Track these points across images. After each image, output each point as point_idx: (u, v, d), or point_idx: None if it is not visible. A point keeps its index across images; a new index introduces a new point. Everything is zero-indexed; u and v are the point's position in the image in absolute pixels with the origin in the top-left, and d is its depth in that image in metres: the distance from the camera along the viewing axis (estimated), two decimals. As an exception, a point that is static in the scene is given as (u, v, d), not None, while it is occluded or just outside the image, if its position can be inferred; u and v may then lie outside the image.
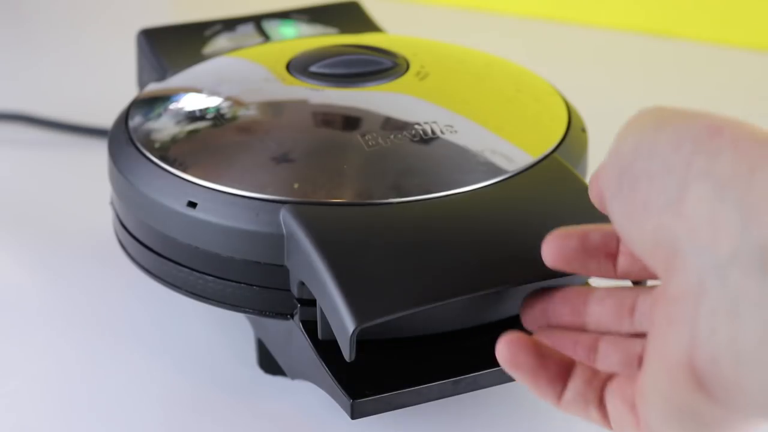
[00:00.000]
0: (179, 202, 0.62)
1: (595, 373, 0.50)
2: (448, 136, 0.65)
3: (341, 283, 0.55)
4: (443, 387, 0.58)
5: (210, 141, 0.66)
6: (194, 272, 0.63)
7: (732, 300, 0.40)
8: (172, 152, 0.66)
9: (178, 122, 0.68)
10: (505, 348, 0.51)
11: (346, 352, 0.54)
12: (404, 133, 0.65)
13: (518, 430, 0.64)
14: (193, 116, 0.69)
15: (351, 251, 0.57)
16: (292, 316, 0.61)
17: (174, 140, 0.67)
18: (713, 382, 0.41)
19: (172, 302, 0.72)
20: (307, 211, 0.59)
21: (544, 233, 0.53)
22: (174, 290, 0.65)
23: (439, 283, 0.56)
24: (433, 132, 0.65)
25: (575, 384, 0.50)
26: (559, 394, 0.51)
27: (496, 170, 0.63)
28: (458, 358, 0.60)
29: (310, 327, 0.60)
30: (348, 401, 0.57)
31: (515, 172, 0.63)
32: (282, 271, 0.61)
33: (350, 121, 0.68)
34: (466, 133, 0.66)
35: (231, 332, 0.71)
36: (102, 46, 1.12)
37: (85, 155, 0.93)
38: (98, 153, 0.93)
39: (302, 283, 0.59)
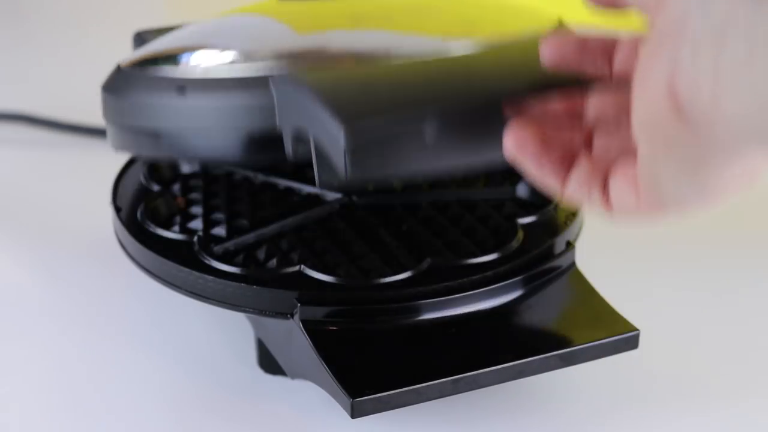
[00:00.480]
0: (172, 90, 0.64)
1: (597, 161, 0.51)
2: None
3: (328, 100, 0.52)
4: (443, 386, 0.58)
5: (197, 39, 0.68)
6: (194, 272, 0.63)
7: (716, 27, 0.41)
8: (163, 56, 0.67)
9: (166, 45, 0.70)
10: (511, 136, 0.51)
11: (342, 166, 0.50)
12: (398, 19, 0.65)
13: (518, 428, 0.64)
14: (180, 31, 0.71)
15: (340, 84, 0.56)
16: (292, 316, 0.61)
17: (163, 52, 0.68)
18: (693, 109, 0.42)
19: (172, 302, 0.72)
20: (296, 72, 0.59)
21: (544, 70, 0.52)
22: (174, 290, 0.65)
23: (431, 96, 0.53)
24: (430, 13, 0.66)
25: (579, 171, 0.51)
26: (563, 180, 0.51)
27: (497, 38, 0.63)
28: (458, 356, 0.60)
29: (310, 326, 0.61)
30: (348, 400, 0.57)
31: (519, 40, 0.62)
32: (275, 138, 0.60)
33: (340, 7, 0.68)
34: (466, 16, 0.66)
35: (231, 332, 0.71)
36: (102, 46, 1.11)
37: (85, 155, 0.93)
38: (98, 153, 0.93)
39: (297, 138, 0.58)
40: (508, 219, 0.70)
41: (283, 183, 0.75)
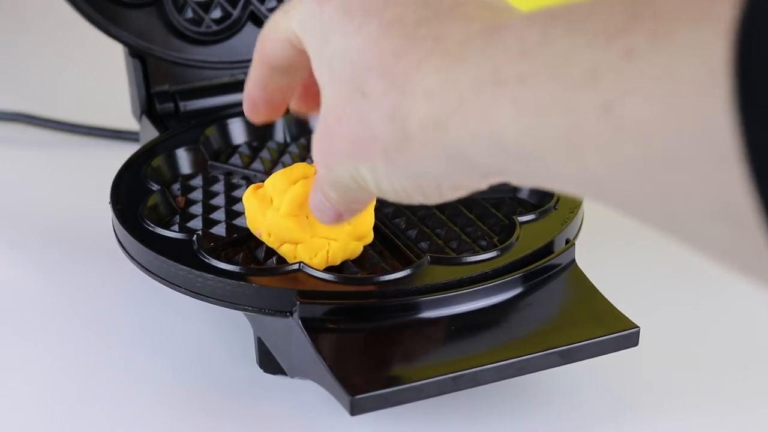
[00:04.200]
0: None
1: None
2: None
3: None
4: (443, 383, 0.58)
5: None
6: (193, 271, 0.63)
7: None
8: None
9: None
10: None
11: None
12: None
13: (518, 426, 0.64)
14: None
15: None
16: (292, 314, 0.61)
17: None
18: None
19: (172, 302, 0.72)
20: None
21: None
22: (173, 289, 0.65)
23: None
24: None
25: None
26: None
27: None
28: (458, 353, 0.60)
29: (309, 324, 0.61)
30: (348, 398, 0.57)
31: None
32: None
33: None
34: None
35: (230, 331, 0.71)
36: (102, 46, 1.12)
37: (85, 155, 0.93)
38: (98, 153, 0.93)
39: None
40: (507, 217, 0.70)
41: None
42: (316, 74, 0.52)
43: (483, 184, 0.49)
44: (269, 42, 0.56)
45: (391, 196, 0.51)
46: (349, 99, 0.49)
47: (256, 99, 0.59)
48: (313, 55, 0.52)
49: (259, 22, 0.84)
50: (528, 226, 0.68)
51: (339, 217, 0.57)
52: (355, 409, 0.57)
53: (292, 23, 0.53)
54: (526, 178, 0.46)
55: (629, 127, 0.38)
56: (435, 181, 0.49)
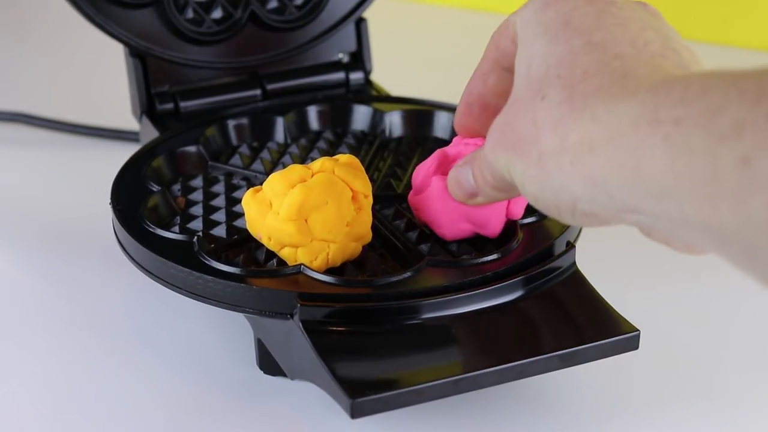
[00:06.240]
0: None
1: None
2: None
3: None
4: (443, 386, 0.58)
5: None
6: (194, 273, 0.63)
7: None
8: None
9: None
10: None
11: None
12: None
13: (518, 429, 0.64)
14: None
15: None
16: (292, 316, 0.61)
17: None
18: None
19: (172, 303, 0.72)
20: None
21: None
22: (174, 290, 0.65)
23: None
24: None
25: None
26: None
27: None
28: (458, 357, 0.60)
29: (309, 327, 0.61)
30: (348, 400, 0.57)
31: None
32: None
33: None
34: None
35: (231, 333, 0.71)
36: (102, 45, 1.12)
37: (85, 155, 0.93)
38: (98, 153, 0.93)
39: None
40: (508, 219, 0.70)
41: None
42: (516, 64, 0.55)
43: (614, 221, 0.52)
44: (497, 35, 0.60)
45: (531, 200, 0.54)
46: (531, 97, 0.53)
47: (472, 95, 0.62)
48: (521, 47, 0.55)
49: (259, 22, 0.84)
50: (529, 229, 0.68)
51: (473, 196, 0.60)
52: (355, 412, 0.57)
53: (517, 19, 0.57)
54: (657, 219, 0.48)
55: (762, 182, 0.41)
56: (572, 200, 0.51)
